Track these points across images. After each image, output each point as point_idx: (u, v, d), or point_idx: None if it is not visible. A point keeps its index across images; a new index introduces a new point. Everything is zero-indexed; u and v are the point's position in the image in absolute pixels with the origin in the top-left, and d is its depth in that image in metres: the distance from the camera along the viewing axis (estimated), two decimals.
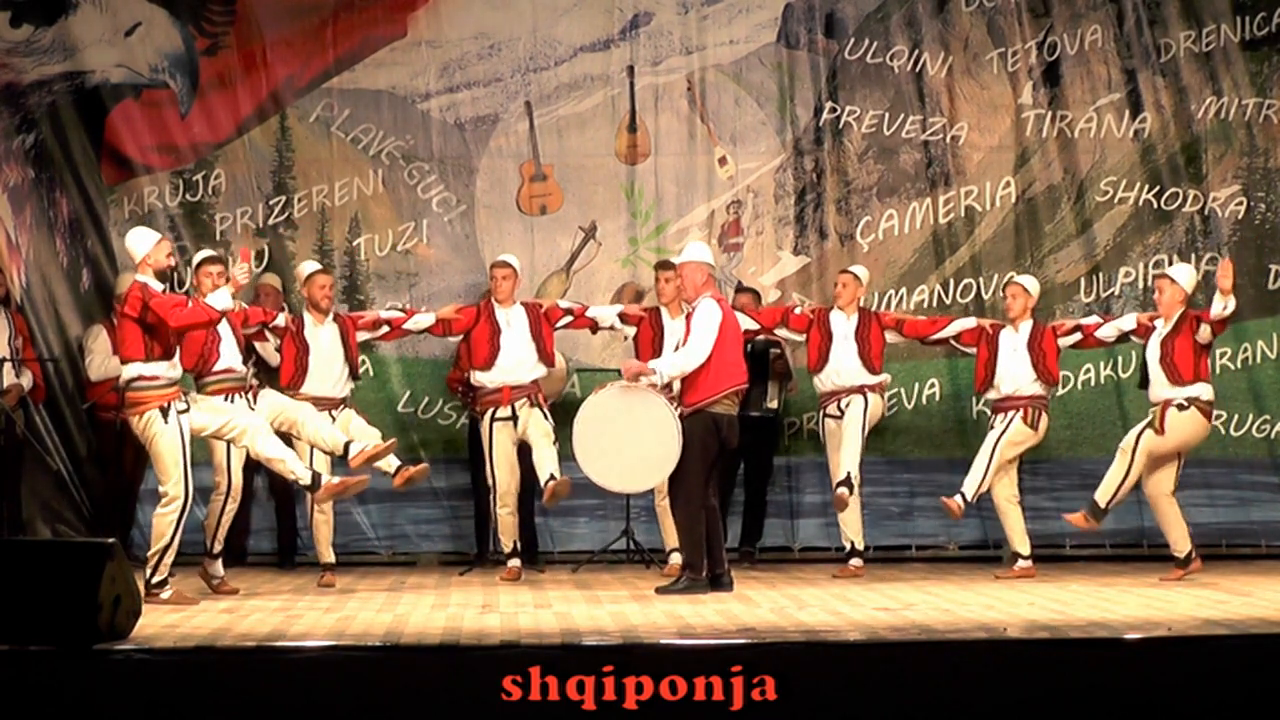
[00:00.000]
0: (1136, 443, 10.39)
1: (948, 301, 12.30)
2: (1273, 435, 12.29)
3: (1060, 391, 11.91)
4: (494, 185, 12.44)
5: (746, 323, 10.73)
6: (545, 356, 11.01)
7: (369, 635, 7.82)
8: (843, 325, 11.15)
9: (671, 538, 10.65)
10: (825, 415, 11.24)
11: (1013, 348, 10.88)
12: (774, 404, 11.79)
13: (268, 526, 12.05)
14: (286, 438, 9.75)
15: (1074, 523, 10.62)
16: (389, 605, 9.17)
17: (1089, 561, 11.79)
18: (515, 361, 10.93)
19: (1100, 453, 10.78)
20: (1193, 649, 7.35)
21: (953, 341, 11.24)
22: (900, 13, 12.44)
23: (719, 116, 12.45)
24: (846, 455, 10.90)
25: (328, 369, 10.68)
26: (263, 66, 12.32)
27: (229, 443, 9.71)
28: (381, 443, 9.84)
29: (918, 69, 12.45)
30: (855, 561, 11.09)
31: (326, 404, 10.48)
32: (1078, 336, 10.92)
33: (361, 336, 10.95)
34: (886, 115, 12.45)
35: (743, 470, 11.84)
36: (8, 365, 11.32)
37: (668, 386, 9.69)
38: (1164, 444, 10.39)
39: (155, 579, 9.15)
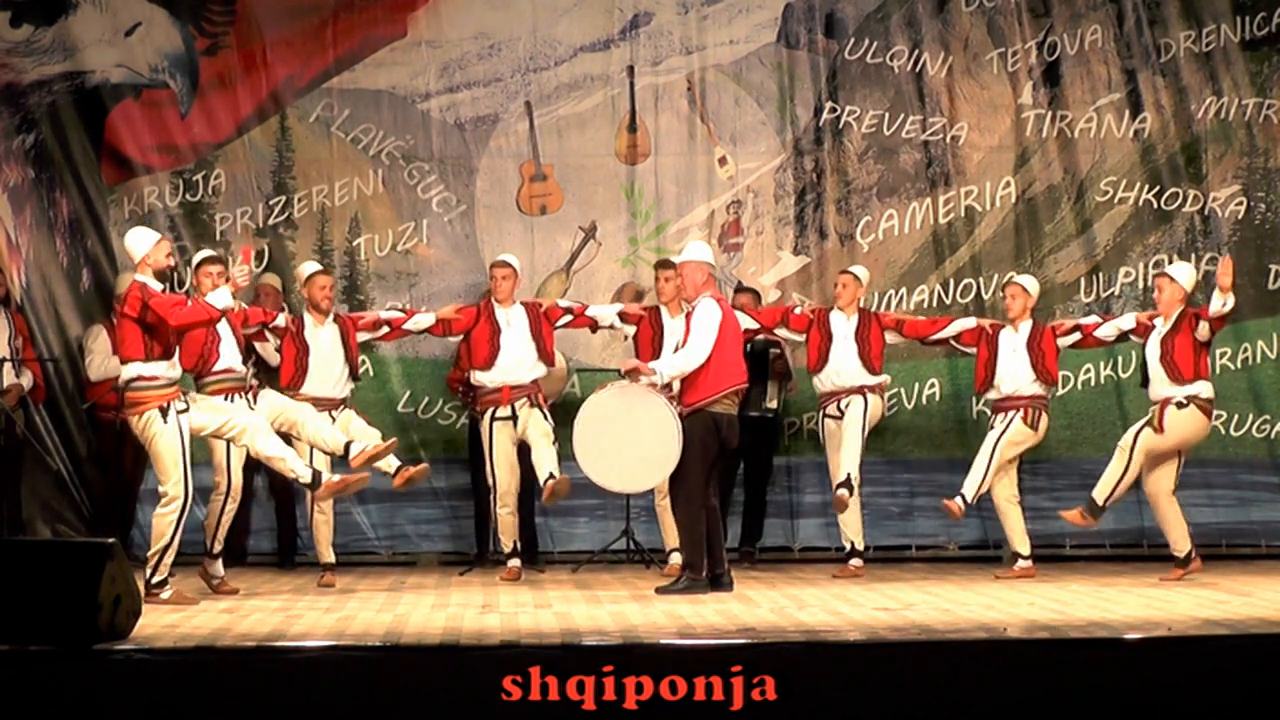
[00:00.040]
0: (1135, 441, 10.39)
1: (948, 302, 12.30)
2: (1273, 435, 12.29)
3: (1060, 391, 11.91)
4: (494, 185, 12.44)
5: (746, 322, 10.72)
6: (545, 356, 11.01)
7: (369, 635, 7.82)
8: (842, 326, 11.15)
9: (671, 538, 10.65)
10: (825, 416, 11.23)
11: (1012, 348, 10.88)
12: (773, 404, 11.79)
13: (268, 526, 12.05)
14: (286, 438, 9.74)
15: (1070, 519, 10.62)
16: (389, 605, 9.17)
17: (1089, 561, 11.80)
18: (515, 361, 10.93)
19: (1100, 453, 10.78)
20: (1193, 649, 7.35)
21: (953, 342, 11.24)
22: (900, 13, 12.44)
23: (719, 116, 12.45)
24: (846, 456, 10.90)
25: (328, 370, 10.68)
26: (263, 66, 12.32)
27: (229, 442, 9.70)
28: (382, 443, 9.84)
29: (918, 69, 12.45)
30: (855, 561, 11.09)
31: (326, 404, 10.48)
32: (1077, 336, 10.92)
33: (362, 337, 10.95)
34: (886, 115, 12.45)
35: (742, 470, 11.84)
36: (8, 365, 11.32)
37: (667, 386, 9.69)
38: (1163, 442, 10.39)
39: (155, 579, 9.16)
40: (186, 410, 9.25)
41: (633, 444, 9.58)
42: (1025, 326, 10.91)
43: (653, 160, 12.46)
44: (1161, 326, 10.49)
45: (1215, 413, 10.82)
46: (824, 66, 12.46)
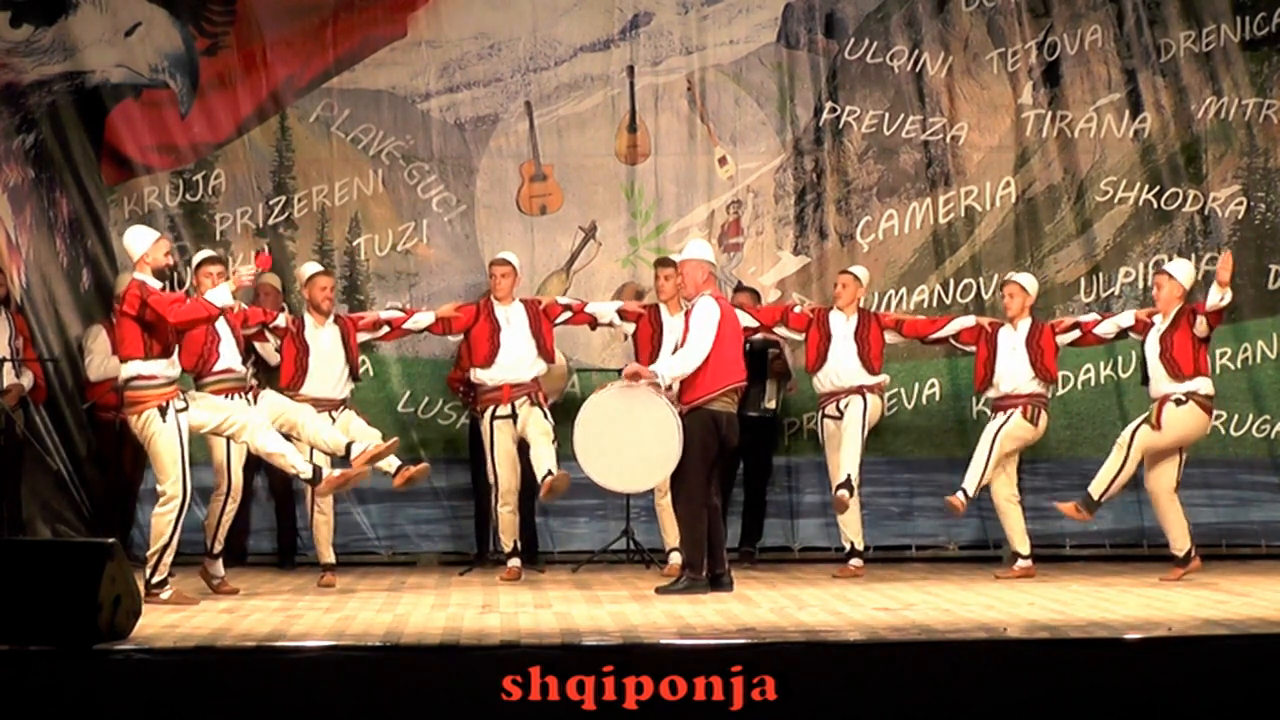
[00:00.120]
0: (1132, 438, 10.40)
1: (948, 302, 12.30)
2: (1273, 435, 12.29)
3: (1060, 391, 11.92)
4: (494, 185, 12.44)
5: (746, 320, 10.71)
6: (545, 353, 11.02)
7: (369, 635, 7.82)
8: (842, 326, 11.15)
9: (671, 537, 10.66)
10: (824, 416, 11.23)
11: (1011, 346, 10.88)
12: (772, 404, 11.79)
13: (268, 526, 12.05)
14: (287, 438, 9.74)
15: (1065, 511, 10.61)
16: (389, 605, 9.17)
17: (1089, 561, 11.80)
18: (515, 358, 10.93)
19: (1100, 453, 10.77)
20: (1193, 649, 7.35)
21: (952, 340, 11.24)
22: (900, 13, 12.44)
23: (719, 116, 12.45)
24: (846, 457, 10.90)
25: (328, 370, 10.68)
26: (263, 66, 12.32)
27: (229, 439, 9.70)
28: (383, 443, 9.83)
29: (918, 69, 12.45)
30: (855, 561, 11.09)
31: (326, 405, 10.48)
32: (1076, 334, 10.92)
33: (362, 337, 10.96)
34: (886, 115, 12.45)
35: (742, 470, 11.84)
36: (8, 365, 11.32)
37: (668, 387, 9.69)
38: (1161, 439, 10.38)
39: (155, 579, 9.15)
40: (186, 409, 9.25)
41: (633, 444, 9.57)
42: (1024, 325, 10.92)
43: (653, 160, 12.46)
44: (1160, 324, 10.49)
45: (1215, 413, 10.82)
46: (824, 66, 12.46)
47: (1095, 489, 10.48)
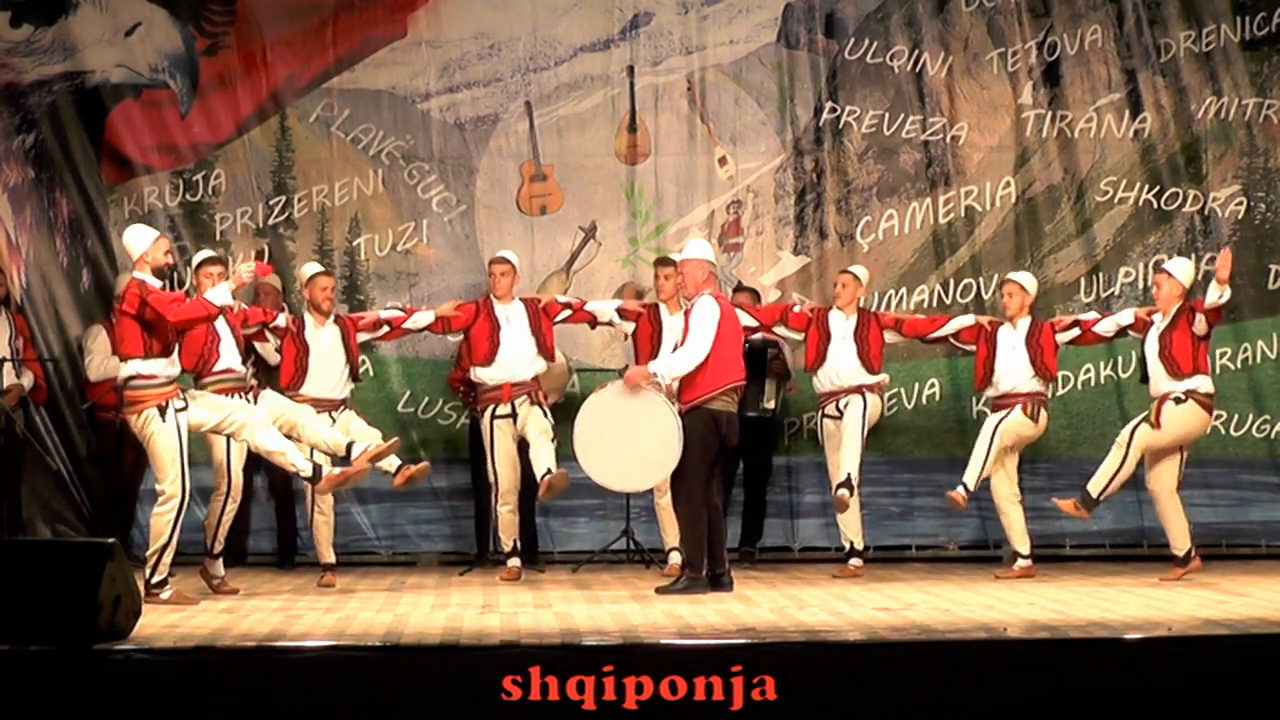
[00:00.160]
0: (1131, 436, 10.40)
1: (948, 301, 12.30)
2: (1273, 435, 12.29)
3: (1060, 391, 11.93)
4: (494, 185, 12.44)
5: (745, 320, 10.71)
6: (545, 351, 11.02)
7: (369, 635, 7.82)
8: (841, 325, 11.14)
9: (671, 537, 10.66)
10: (824, 416, 11.24)
11: (1011, 345, 10.88)
12: (770, 404, 11.79)
13: (268, 526, 12.05)
14: (287, 439, 9.74)
15: (1064, 509, 10.60)
16: (389, 605, 9.17)
17: (1089, 561, 11.80)
18: (515, 356, 10.93)
19: (1100, 452, 10.76)
20: (1193, 649, 7.35)
21: (952, 339, 11.24)
22: (900, 13, 12.44)
23: (719, 116, 12.45)
24: (846, 456, 10.90)
25: (328, 370, 10.68)
26: (263, 66, 12.32)
27: (229, 437, 9.70)
28: (383, 442, 9.83)
29: (918, 69, 12.45)
30: (855, 561, 11.09)
31: (326, 405, 10.48)
32: (1076, 332, 10.92)
33: (362, 337, 10.96)
34: (886, 115, 12.45)
35: (742, 470, 11.84)
36: (8, 365, 11.32)
37: (667, 385, 9.69)
38: (1160, 438, 10.38)
39: (155, 579, 9.15)
40: (185, 408, 9.24)
41: (633, 443, 9.57)
42: (1024, 323, 10.92)
43: (653, 160, 12.46)
44: (1160, 322, 10.49)
45: (1215, 412, 10.82)
46: (824, 66, 12.46)
47: (1094, 487, 10.48)
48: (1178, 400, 10.35)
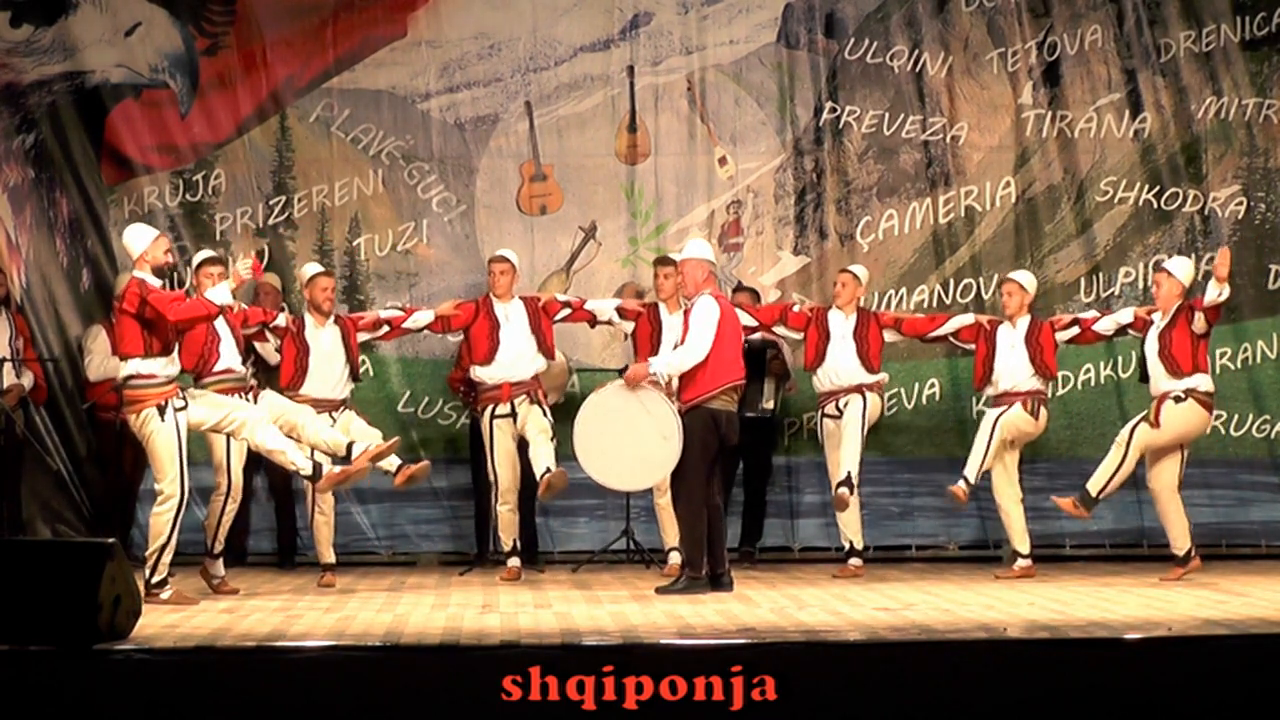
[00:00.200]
0: (1131, 435, 10.39)
1: (948, 301, 12.30)
2: (1273, 435, 12.29)
3: (1060, 391, 11.93)
4: (494, 185, 12.44)
5: (745, 319, 10.70)
6: (545, 349, 11.02)
7: (369, 635, 7.82)
8: (841, 325, 11.15)
9: (671, 537, 10.65)
10: (824, 415, 11.24)
11: (1010, 344, 10.88)
12: (770, 404, 11.78)
13: (268, 526, 12.05)
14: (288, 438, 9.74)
15: (1063, 507, 10.60)
16: (389, 605, 9.17)
17: (1089, 561, 11.80)
18: (515, 355, 10.93)
19: (1100, 452, 10.76)
20: (1193, 649, 7.35)
21: (951, 338, 11.24)
22: (900, 13, 12.44)
23: (719, 116, 12.45)
24: (846, 455, 10.90)
25: (328, 370, 10.68)
26: (263, 66, 12.32)
27: (229, 435, 9.69)
28: (384, 442, 9.83)
29: (918, 69, 12.45)
30: (855, 561, 11.09)
31: (326, 405, 10.48)
32: (1076, 330, 10.92)
33: (362, 337, 10.96)
34: (886, 115, 12.45)
35: (742, 470, 11.84)
36: (8, 365, 11.33)
37: (666, 382, 9.69)
38: (1160, 437, 10.38)
39: (155, 578, 9.15)
40: (185, 408, 9.24)
41: (633, 442, 9.57)
42: (1023, 322, 10.92)
43: (653, 160, 12.46)
44: (1160, 321, 10.49)
45: (1215, 412, 10.82)
46: (824, 66, 12.46)
47: (1093, 486, 10.48)
48: (1177, 399, 10.35)
